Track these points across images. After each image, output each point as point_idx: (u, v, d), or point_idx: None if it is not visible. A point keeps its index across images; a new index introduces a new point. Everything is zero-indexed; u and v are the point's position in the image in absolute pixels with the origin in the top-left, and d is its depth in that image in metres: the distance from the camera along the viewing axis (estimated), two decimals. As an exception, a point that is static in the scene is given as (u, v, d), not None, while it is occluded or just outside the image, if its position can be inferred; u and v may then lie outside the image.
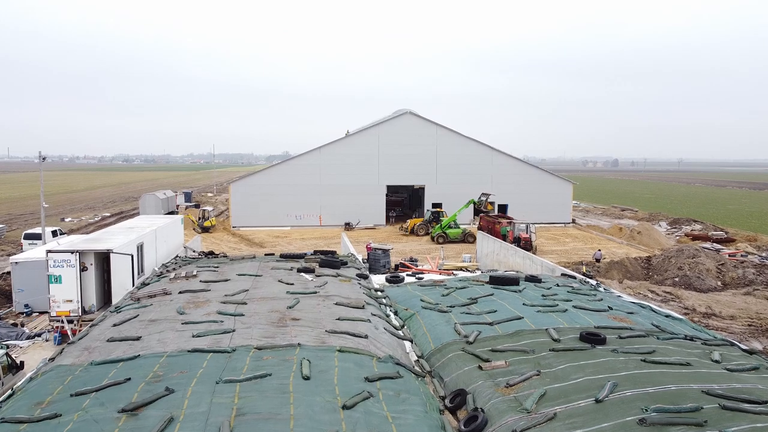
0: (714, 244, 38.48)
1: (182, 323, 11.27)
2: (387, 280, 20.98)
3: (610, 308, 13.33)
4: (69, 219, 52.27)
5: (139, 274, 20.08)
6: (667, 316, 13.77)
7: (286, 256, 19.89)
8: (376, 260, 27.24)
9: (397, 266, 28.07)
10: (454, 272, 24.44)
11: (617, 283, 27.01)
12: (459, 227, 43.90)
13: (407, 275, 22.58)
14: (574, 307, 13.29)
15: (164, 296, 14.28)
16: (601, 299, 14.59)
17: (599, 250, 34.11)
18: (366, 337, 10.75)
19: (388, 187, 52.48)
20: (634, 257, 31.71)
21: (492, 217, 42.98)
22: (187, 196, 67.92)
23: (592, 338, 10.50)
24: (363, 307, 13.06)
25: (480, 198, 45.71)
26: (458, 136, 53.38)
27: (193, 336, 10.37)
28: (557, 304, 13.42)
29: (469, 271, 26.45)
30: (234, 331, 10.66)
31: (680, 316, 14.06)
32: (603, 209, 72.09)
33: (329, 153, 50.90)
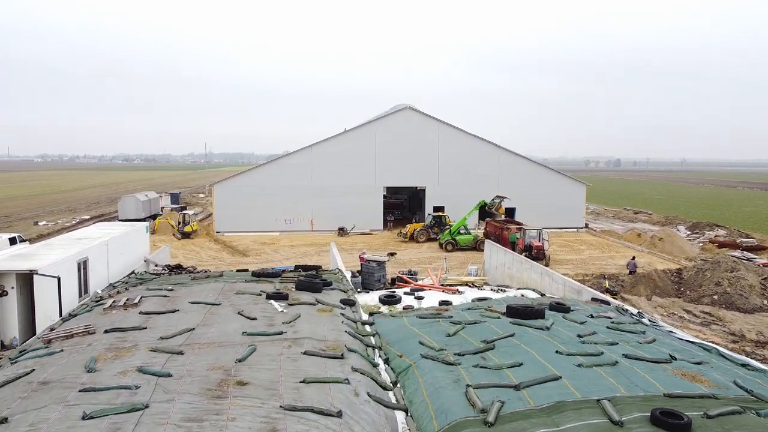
0: (744, 252, 34.86)
1: (80, 390, 7.98)
2: (381, 300, 18.03)
3: (673, 357, 10.03)
4: (44, 222, 48.69)
5: (81, 296, 16.75)
6: (744, 365, 10.44)
7: (258, 275, 16.66)
8: (369, 274, 24.04)
9: (393, 280, 24.81)
10: (459, 289, 21.49)
11: (645, 300, 23.61)
12: (470, 233, 40.13)
13: (405, 293, 19.69)
14: (625, 356, 9.98)
15: (85, 336, 11.00)
16: (653, 339, 11.32)
17: (633, 258, 30.11)
18: (339, 414, 7.50)
19: (386, 188, 48.92)
20: (662, 269, 28.09)
21: (499, 223, 39.15)
22: (174, 198, 63.83)
23: (672, 422, 7.17)
24: (342, 357, 9.82)
25: (493, 200, 41.60)
26: (462, 134, 49.66)
27: (84, 418, 7.09)
28: (601, 352, 10.13)
29: (476, 286, 23.26)
30: (146, 407, 7.37)
31: (761, 365, 10.65)
32: (614, 212, 68.42)
33: (321, 151, 47.17)
